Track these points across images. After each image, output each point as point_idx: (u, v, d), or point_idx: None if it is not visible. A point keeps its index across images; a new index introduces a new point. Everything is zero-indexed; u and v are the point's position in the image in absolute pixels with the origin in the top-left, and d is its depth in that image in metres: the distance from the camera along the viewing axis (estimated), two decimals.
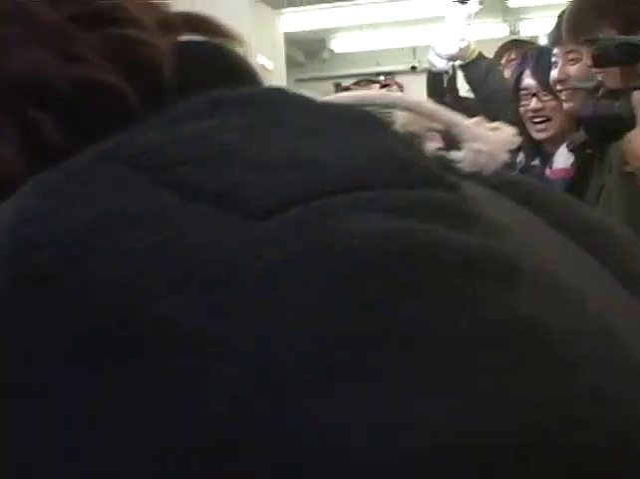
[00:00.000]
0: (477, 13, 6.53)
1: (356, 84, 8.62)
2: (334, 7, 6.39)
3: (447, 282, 0.34)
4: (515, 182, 0.51)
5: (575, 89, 2.32)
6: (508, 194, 0.50)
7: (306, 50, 8.28)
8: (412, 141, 0.45)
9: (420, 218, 0.37)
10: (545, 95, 2.70)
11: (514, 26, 7.15)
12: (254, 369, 0.30)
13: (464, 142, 0.47)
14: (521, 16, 6.89)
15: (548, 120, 2.69)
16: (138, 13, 0.47)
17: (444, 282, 0.34)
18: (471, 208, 0.40)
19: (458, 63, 3.82)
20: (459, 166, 0.47)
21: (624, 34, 1.90)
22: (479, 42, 6.18)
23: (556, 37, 2.45)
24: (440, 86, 4.01)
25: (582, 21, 2.05)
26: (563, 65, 2.38)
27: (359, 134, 0.43)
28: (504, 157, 0.47)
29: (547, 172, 2.58)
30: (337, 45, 8.08)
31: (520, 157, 3.09)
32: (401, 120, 0.60)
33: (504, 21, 7.20)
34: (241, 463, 0.29)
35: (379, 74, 8.59)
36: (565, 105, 2.44)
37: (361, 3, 6.26)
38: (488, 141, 0.47)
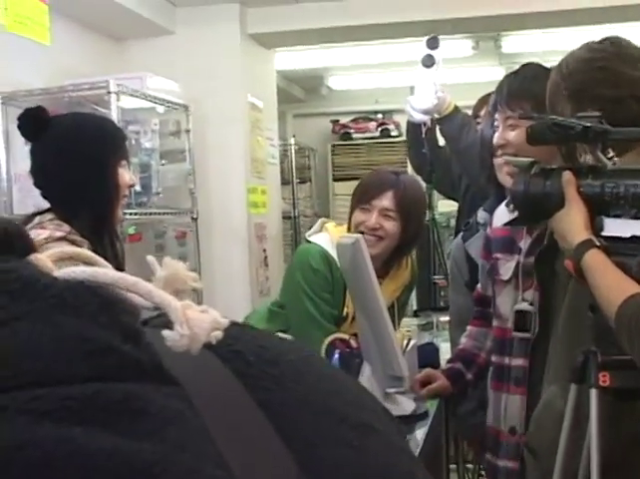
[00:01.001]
0: (472, 57, 6.63)
1: (353, 121, 8.71)
2: (329, 47, 6.44)
3: None
4: (240, 351, 0.54)
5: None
6: (229, 365, 0.53)
7: (305, 86, 8.35)
8: (125, 324, 0.48)
9: (73, 420, 0.40)
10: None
11: (511, 69, 7.18)
12: None
13: (173, 323, 0.50)
14: (517, 60, 6.93)
15: None
16: None
17: None
18: (142, 403, 0.43)
19: (435, 116, 3.89)
20: (168, 345, 0.50)
21: (575, 112, 1.94)
22: (475, 84, 6.28)
23: (496, 103, 2.52)
24: (418, 136, 4.08)
25: (549, 98, 2.09)
26: (503, 131, 2.45)
27: (61, 319, 0.45)
28: (211, 339, 0.50)
29: (488, 230, 2.64)
30: (335, 82, 8.14)
31: (483, 215, 3.13)
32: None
33: (501, 64, 7.26)
34: None
35: (377, 112, 8.66)
36: (505, 169, 2.50)
37: (355, 45, 6.31)
38: (193, 324, 0.50)
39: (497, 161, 2.76)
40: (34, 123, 2.49)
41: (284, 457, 0.48)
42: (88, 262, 0.62)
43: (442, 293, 6.03)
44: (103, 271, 0.53)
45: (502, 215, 2.56)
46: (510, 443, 2.48)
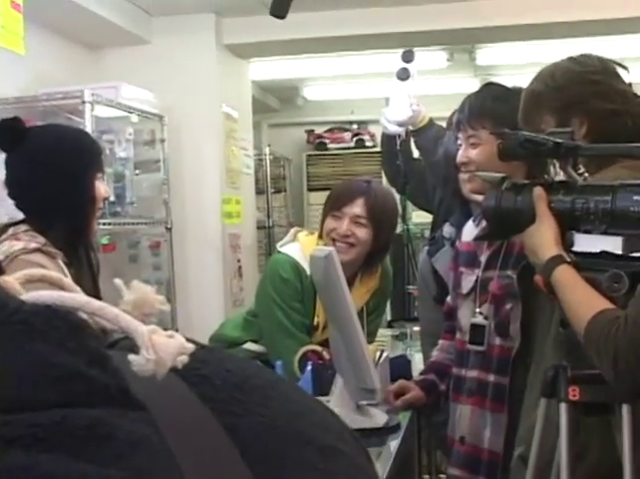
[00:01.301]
0: (447, 68, 6.66)
1: (328, 131, 8.73)
2: (304, 58, 6.45)
3: None
4: (207, 376, 0.54)
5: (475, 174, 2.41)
6: (196, 389, 0.53)
7: (280, 96, 8.36)
8: (93, 349, 0.48)
9: (40, 446, 0.40)
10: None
11: (485, 81, 7.23)
12: None
13: (139, 347, 0.50)
14: (491, 72, 6.99)
15: None
16: None
17: None
18: (109, 429, 0.43)
19: (409, 128, 3.91)
20: (134, 369, 0.50)
21: (560, 124, 1.97)
22: (450, 96, 6.31)
23: (459, 122, 2.56)
24: (393, 148, 4.10)
25: (526, 110, 2.12)
26: (465, 149, 2.50)
27: (28, 345, 0.46)
28: (177, 363, 0.51)
29: (457, 243, 2.69)
30: (310, 93, 8.15)
31: (449, 229, 3.17)
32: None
33: (475, 76, 7.30)
34: None
35: (352, 122, 8.69)
36: (468, 186, 2.54)
37: (331, 55, 6.33)
38: (159, 349, 0.50)
39: (462, 176, 2.80)
40: (11, 133, 2.47)
41: None
42: (56, 285, 0.62)
43: (415, 304, 6.04)
44: (70, 296, 0.53)
45: (470, 230, 2.60)
46: (460, 452, 2.54)
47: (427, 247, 3.40)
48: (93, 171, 2.57)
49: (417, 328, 4.36)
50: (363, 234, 3.15)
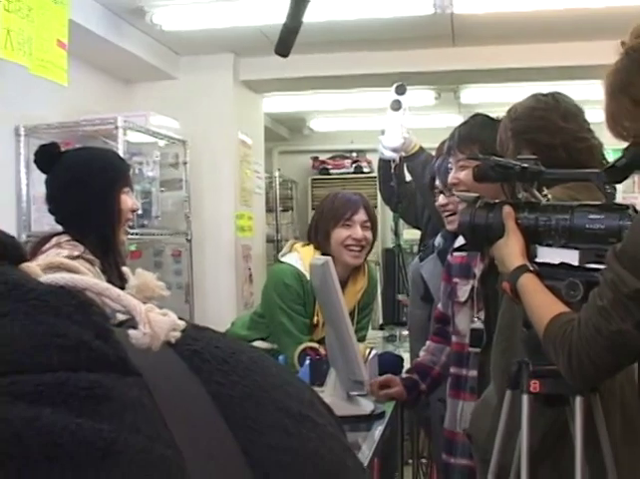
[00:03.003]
0: (434, 106, 6.66)
1: (331, 158, 8.74)
2: (311, 94, 6.48)
3: (21, 470, 0.37)
4: (197, 350, 0.55)
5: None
6: (187, 361, 0.54)
7: (289, 127, 8.38)
8: (98, 323, 0.49)
9: (45, 402, 0.41)
10: (448, 192, 2.75)
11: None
12: None
13: (137, 324, 0.51)
14: (474, 110, 6.99)
15: (454, 213, 2.75)
16: None
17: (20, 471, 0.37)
18: (105, 390, 0.44)
19: (402, 154, 3.93)
20: (132, 342, 0.50)
21: (516, 152, 1.98)
22: (437, 130, 6.32)
23: (449, 148, 2.57)
24: (387, 171, 4.11)
25: (499, 137, 2.13)
26: (455, 171, 2.49)
27: (41, 317, 0.46)
28: (169, 337, 0.51)
29: (449, 257, 2.68)
30: (316, 124, 8.17)
31: (439, 240, 3.17)
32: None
33: (460, 113, 7.31)
34: None
35: (352, 151, 8.70)
36: (449, 226, 2.55)
37: (334, 92, 6.36)
38: (154, 324, 0.50)
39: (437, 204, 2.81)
40: (47, 157, 2.51)
41: (228, 439, 0.49)
42: (71, 271, 0.62)
43: (404, 310, 6.04)
44: (80, 278, 0.53)
45: (460, 243, 2.60)
46: (466, 444, 2.49)
47: (419, 253, 3.44)
48: (118, 186, 2.57)
49: (405, 332, 4.37)
50: (370, 236, 3.24)
